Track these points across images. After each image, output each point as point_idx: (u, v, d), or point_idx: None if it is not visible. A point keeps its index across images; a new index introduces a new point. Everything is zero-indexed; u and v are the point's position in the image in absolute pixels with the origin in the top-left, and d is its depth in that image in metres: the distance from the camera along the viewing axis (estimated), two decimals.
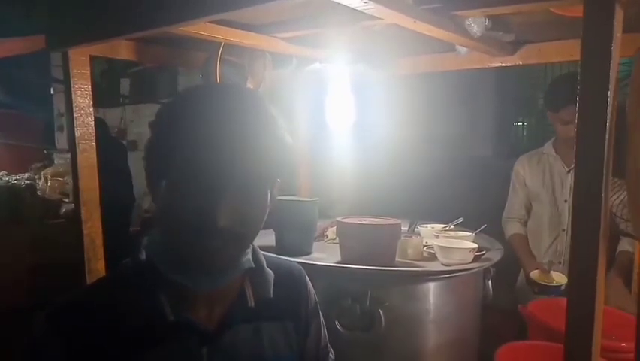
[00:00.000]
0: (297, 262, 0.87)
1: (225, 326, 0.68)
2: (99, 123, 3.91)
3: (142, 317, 0.63)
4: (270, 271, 0.74)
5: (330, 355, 0.86)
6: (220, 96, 0.63)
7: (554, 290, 1.63)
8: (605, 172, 0.64)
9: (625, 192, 0.83)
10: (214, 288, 0.66)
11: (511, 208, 2.01)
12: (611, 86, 0.63)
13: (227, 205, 0.59)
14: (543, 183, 1.89)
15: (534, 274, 1.70)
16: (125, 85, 5.62)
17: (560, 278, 1.65)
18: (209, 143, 0.59)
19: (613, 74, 0.63)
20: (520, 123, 3.51)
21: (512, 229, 1.98)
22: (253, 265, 0.71)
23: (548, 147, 1.93)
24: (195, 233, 0.59)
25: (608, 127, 0.63)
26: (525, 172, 1.95)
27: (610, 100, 0.63)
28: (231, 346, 0.68)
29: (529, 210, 1.97)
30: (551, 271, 1.69)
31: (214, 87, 0.69)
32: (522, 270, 1.95)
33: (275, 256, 0.81)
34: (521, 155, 2.03)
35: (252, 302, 0.70)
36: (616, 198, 1.65)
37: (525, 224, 1.98)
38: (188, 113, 0.61)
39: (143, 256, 0.67)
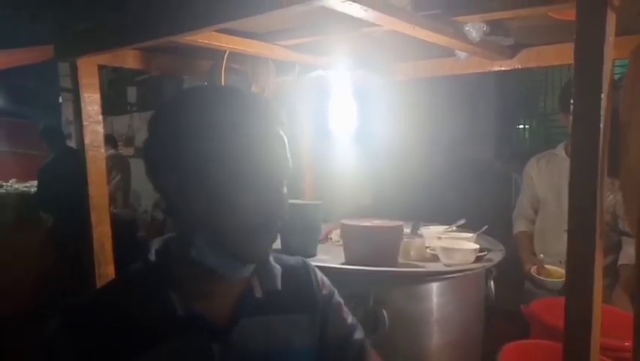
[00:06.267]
0: None
1: (235, 321, 0.69)
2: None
3: (153, 315, 0.64)
4: (277, 265, 0.75)
5: (357, 334, 0.84)
6: (236, 96, 0.68)
7: (552, 285, 1.66)
8: (599, 172, 0.65)
9: None
10: (245, 274, 0.70)
11: (519, 207, 2.06)
12: (604, 88, 0.64)
13: (282, 199, 0.66)
14: (550, 184, 1.90)
15: (534, 270, 1.76)
16: (132, 93, 5.69)
17: (559, 274, 1.70)
18: (252, 141, 0.64)
19: (606, 77, 0.65)
20: (522, 126, 3.52)
21: (519, 226, 2.02)
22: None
23: (560, 149, 1.94)
24: (256, 229, 0.64)
25: (601, 128, 0.64)
26: (533, 173, 1.98)
27: (603, 102, 0.64)
28: (242, 340, 0.69)
29: (536, 209, 2.00)
30: (553, 267, 1.73)
31: (223, 88, 0.73)
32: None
33: (279, 254, 0.82)
34: (524, 157, 2.06)
35: (259, 294, 0.72)
36: (612, 197, 1.66)
37: (533, 223, 2.01)
38: (221, 116, 0.64)
39: (153, 257, 0.69)
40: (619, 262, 1.73)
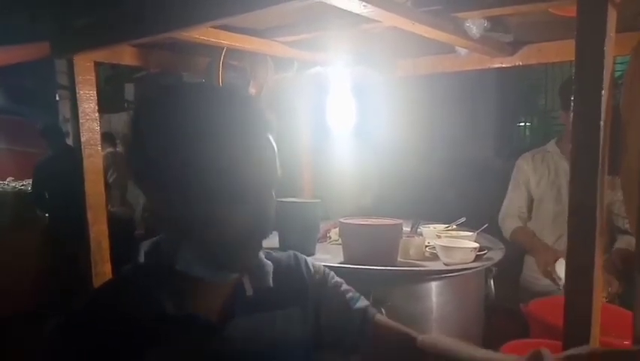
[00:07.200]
0: None
1: (229, 319, 0.69)
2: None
3: (147, 315, 0.64)
4: (269, 262, 0.75)
5: (359, 303, 0.82)
6: (225, 99, 0.64)
7: None
8: (599, 170, 0.65)
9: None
10: (231, 279, 0.71)
11: (510, 205, 1.96)
12: (605, 84, 0.64)
13: (271, 208, 0.65)
14: (548, 182, 1.87)
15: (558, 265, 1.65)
16: (129, 90, 5.68)
17: None
18: (242, 151, 0.61)
19: (607, 73, 0.64)
20: (522, 124, 3.52)
21: (513, 223, 1.92)
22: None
23: (552, 146, 1.91)
24: (245, 240, 0.64)
25: (602, 125, 0.64)
26: (529, 169, 1.92)
27: (604, 99, 0.64)
28: (237, 337, 0.69)
29: (529, 207, 1.93)
30: None
31: (210, 89, 0.67)
32: (525, 267, 1.95)
33: (272, 251, 0.82)
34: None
35: (250, 291, 0.72)
36: (613, 195, 1.65)
37: (525, 221, 1.94)
38: (207, 122, 0.60)
39: (142, 258, 0.69)
40: (615, 246, 1.71)
